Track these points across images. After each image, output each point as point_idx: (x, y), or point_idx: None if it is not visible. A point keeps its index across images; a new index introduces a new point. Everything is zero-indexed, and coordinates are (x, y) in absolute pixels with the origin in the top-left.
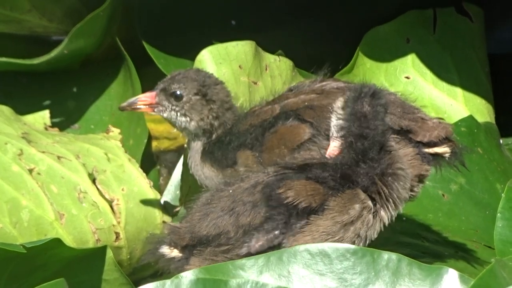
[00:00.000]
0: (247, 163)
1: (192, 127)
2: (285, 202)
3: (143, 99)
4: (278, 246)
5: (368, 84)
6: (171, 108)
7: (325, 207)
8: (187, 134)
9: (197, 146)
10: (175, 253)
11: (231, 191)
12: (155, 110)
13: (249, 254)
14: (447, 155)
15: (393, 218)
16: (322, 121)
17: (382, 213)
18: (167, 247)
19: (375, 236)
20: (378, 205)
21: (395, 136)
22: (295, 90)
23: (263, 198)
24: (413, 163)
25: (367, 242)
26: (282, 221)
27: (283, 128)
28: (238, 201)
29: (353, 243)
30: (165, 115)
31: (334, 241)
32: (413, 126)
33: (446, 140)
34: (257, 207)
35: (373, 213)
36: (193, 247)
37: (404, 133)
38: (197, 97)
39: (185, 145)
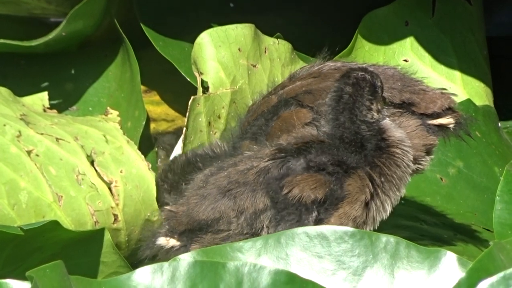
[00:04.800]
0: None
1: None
2: (293, 202)
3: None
4: None
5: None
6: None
7: (345, 193)
8: None
9: None
10: (173, 242)
11: (225, 173)
12: None
13: None
14: (451, 125)
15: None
16: (322, 104)
17: (383, 195)
18: (163, 237)
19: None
20: (378, 187)
21: (397, 110)
22: (293, 78)
23: (267, 196)
24: (418, 133)
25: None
26: (294, 220)
27: (285, 113)
28: (234, 183)
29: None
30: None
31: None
32: (414, 99)
33: (449, 111)
34: (254, 191)
35: (376, 195)
36: (191, 232)
37: (407, 107)
38: (183, 158)
39: (184, 128)
